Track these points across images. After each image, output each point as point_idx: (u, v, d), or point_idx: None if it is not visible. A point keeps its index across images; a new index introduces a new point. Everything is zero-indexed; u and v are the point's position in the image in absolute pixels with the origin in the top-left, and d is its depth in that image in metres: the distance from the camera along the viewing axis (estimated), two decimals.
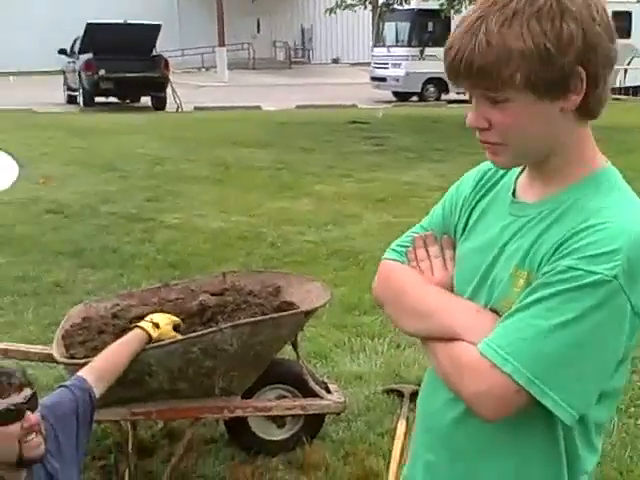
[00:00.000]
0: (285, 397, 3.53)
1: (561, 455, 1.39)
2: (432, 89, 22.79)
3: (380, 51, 23.93)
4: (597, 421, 1.41)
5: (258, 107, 20.35)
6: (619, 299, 1.25)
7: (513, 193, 1.45)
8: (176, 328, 3.12)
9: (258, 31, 38.27)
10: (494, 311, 1.38)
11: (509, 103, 1.29)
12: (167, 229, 7.49)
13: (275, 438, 3.60)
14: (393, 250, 1.60)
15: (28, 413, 2.08)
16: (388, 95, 23.61)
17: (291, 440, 3.60)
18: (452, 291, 1.48)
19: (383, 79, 23.58)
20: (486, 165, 1.54)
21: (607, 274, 1.24)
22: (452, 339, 1.37)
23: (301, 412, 3.50)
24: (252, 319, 3.24)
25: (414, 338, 4.61)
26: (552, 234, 1.33)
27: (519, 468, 1.41)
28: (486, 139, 1.34)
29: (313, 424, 3.63)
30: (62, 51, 22.17)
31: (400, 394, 4.04)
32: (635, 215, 1.31)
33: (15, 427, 2.05)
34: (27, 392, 2.09)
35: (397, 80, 22.95)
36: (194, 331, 3.20)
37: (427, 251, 1.55)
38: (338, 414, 3.66)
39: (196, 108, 19.94)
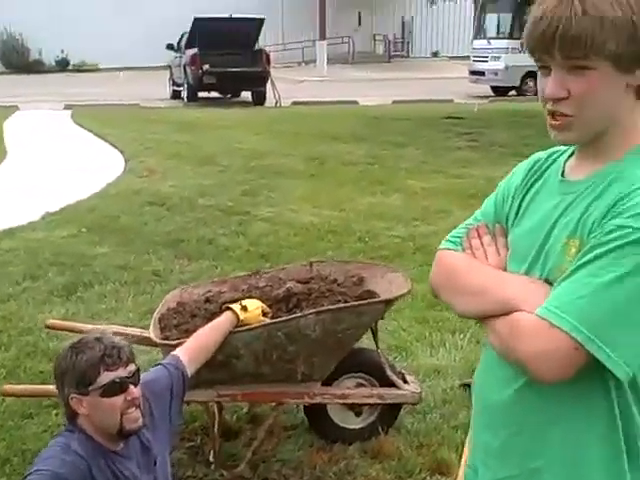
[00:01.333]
0: (363, 386, 3.65)
1: (616, 418, 1.43)
2: (531, 83, 22.22)
3: (480, 43, 23.52)
4: None
5: (355, 102, 20.46)
6: None
7: (562, 174, 1.55)
8: (265, 314, 3.28)
9: (359, 24, 38.31)
10: (548, 282, 1.45)
11: (591, 72, 1.37)
12: (260, 222, 7.73)
13: (352, 426, 3.70)
14: (448, 241, 1.70)
15: (131, 387, 2.24)
16: (486, 89, 23.27)
17: (367, 429, 3.70)
18: None
19: (482, 73, 23.17)
20: (536, 156, 1.66)
21: None
22: (508, 313, 1.43)
23: (378, 401, 3.60)
24: (334, 306, 3.37)
25: None
26: (601, 201, 1.40)
27: (579, 434, 1.45)
28: (561, 110, 1.41)
29: (389, 414, 3.72)
30: (169, 46, 22.60)
31: None
32: None
33: (119, 399, 2.22)
34: (132, 367, 2.27)
35: (496, 74, 22.52)
36: (280, 317, 3.36)
37: (481, 241, 1.64)
38: (414, 404, 3.75)
39: (294, 103, 20.22)
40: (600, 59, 1.35)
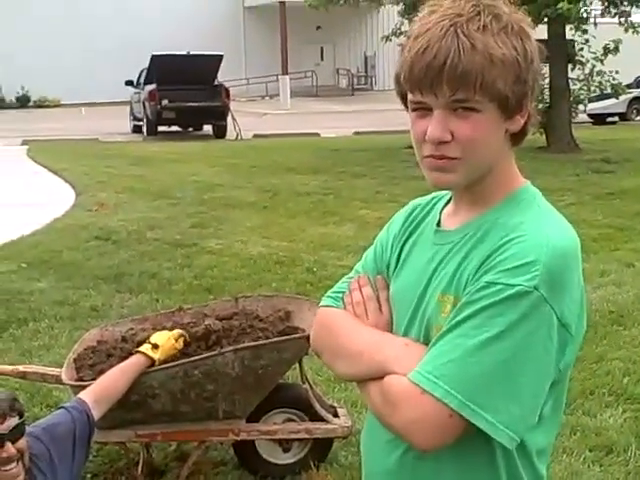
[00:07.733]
0: (292, 421, 3.55)
1: None
2: None
3: None
4: (538, 447, 1.37)
5: (316, 134, 20.50)
6: (543, 309, 1.24)
7: (438, 224, 1.46)
8: (178, 339, 3.19)
9: (322, 59, 38.66)
10: (426, 343, 1.36)
11: (477, 115, 1.28)
12: (207, 254, 7.61)
13: (282, 462, 3.61)
14: (328, 297, 1.56)
15: (8, 444, 2.13)
16: None
17: (298, 464, 3.60)
18: (390, 331, 1.46)
19: None
20: (416, 202, 1.56)
21: (527, 285, 1.23)
22: (383, 376, 1.34)
23: (306, 436, 3.51)
24: (253, 343, 3.28)
25: None
26: (476, 255, 1.32)
27: None
28: (444, 153, 1.31)
29: (321, 448, 3.63)
30: (129, 82, 22.87)
31: None
32: (552, 228, 1.32)
33: None
34: (11, 422, 2.14)
35: None
36: (199, 355, 3.27)
37: (361, 293, 1.51)
38: (344, 438, 3.65)
39: (255, 136, 20.22)
40: (486, 101, 1.27)
